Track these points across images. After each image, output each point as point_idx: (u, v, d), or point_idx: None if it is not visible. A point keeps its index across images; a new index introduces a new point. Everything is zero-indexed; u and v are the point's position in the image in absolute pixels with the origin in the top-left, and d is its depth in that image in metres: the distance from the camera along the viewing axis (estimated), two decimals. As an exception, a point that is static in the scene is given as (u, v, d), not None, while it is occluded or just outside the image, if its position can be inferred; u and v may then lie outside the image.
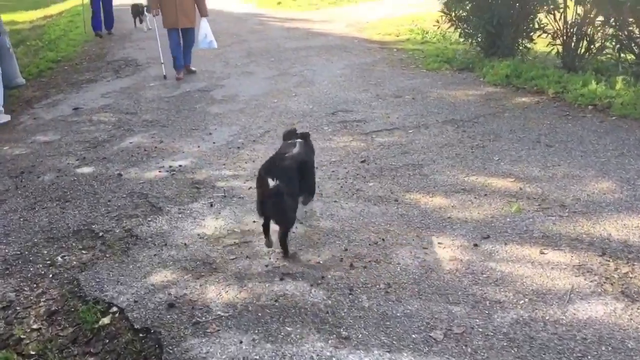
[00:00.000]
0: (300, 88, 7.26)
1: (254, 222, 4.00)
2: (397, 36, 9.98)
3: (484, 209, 3.86)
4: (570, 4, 6.88)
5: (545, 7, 7.04)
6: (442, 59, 8.02)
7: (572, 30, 6.92)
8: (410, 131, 5.56)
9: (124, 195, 4.65)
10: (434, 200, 4.05)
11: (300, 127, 5.93)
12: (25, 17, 14.48)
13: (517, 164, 4.58)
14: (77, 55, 9.80)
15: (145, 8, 11.24)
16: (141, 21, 11.78)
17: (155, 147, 5.68)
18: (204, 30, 7.87)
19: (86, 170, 5.26)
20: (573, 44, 7.00)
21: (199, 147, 5.61)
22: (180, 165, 5.18)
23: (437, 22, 8.14)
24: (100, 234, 4.05)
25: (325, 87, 7.21)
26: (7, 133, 6.41)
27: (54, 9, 15.23)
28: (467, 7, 7.87)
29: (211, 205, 4.33)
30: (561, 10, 6.97)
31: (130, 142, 5.85)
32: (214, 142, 5.69)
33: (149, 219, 4.20)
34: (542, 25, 7.47)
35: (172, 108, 6.83)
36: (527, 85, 6.54)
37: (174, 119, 6.45)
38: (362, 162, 4.92)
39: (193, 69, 8.37)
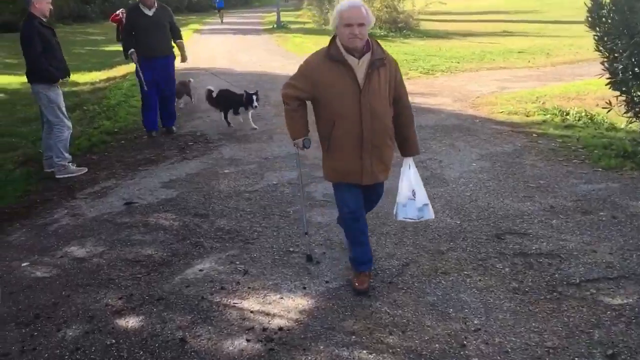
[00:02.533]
0: (430, 188, 5.22)
1: None
2: (527, 116, 7.95)
3: None
4: None
5: None
6: (616, 153, 5.88)
7: None
8: (654, 286, 3.39)
9: (191, 398, 2.65)
10: None
11: (456, 258, 3.88)
12: (87, 77, 13.36)
13: None
14: (137, 126, 8.20)
15: (254, 95, 7.48)
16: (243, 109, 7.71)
17: (238, 282, 3.73)
18: (412, 182, 3.48)
19: (131, 323, 3.33)
20: None
21: (304, 288, 3.61)
22: (280, 329, 3.18)
23: (609, 103, 6.04)
24: None
25: (465, 189, 5.18)
26: (33, 237, 4.63)
27: (118, 70, 14.12)
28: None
29: None
30: None
31: (200, 269, 3.92)
32: (326, 282, 3.68)
33: None
34: None
35: (256, 210, 4.93)
36: None
37: (261, 230, 4.52)
38: (610, 357, 2.76)
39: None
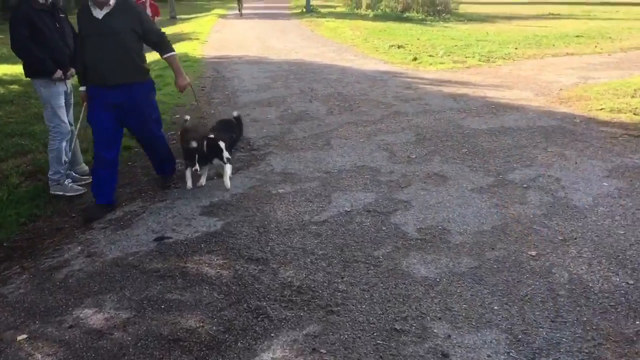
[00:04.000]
0: (561, 221, 3.91)
1: None
2: (636, 114, 6.53)
3: None
4: None
5: None
6: None
7: None
8: None
9: None
10: None
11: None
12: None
13: None
14: (165, 125, 6.99)
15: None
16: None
17: (329, 390, 2.45)
18: None
19: None
20: None
21: (438, 408, 2.32)
22: None
23: None
24: None
25: (611, 223, 3.84)
26: (36, 290, 3.44)
27: (153, 55, 12.87)
28: None
29: None
30: None
31: (269, 361, 2.66)
32: (470, 395, 2.38)
33: None
34: None
35: (331, 254, 3.65)
36: None
37: (345, 289, 3.23)
38: None
39: None
